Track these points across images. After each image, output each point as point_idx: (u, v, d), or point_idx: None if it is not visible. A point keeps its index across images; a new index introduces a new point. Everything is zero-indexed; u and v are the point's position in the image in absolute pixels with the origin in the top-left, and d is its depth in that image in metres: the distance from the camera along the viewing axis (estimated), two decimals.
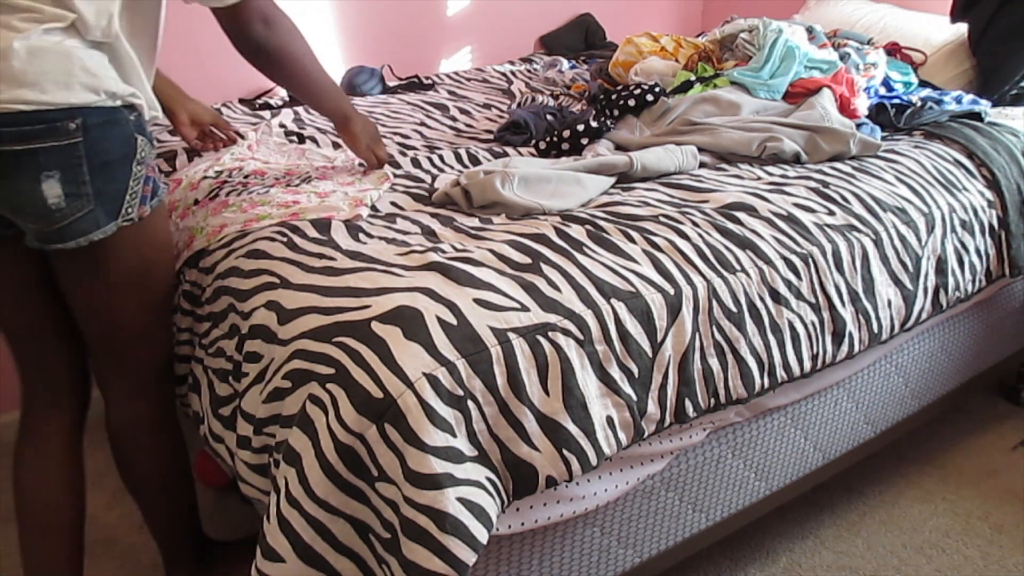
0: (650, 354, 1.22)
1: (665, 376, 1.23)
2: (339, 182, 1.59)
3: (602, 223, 1.38)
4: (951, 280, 1.62)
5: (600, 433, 1.16)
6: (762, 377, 1.34)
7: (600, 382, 1.17)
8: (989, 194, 1.73)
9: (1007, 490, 1.93)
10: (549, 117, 1.94)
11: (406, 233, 1.39)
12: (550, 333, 1.13)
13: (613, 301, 1.20)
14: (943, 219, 1.62)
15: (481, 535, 1.04)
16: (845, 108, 1.86)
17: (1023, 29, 2.08)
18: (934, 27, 2.34)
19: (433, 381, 1.03)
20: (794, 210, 1.47)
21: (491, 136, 1.96)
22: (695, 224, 1.39)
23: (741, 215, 1.43)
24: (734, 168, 1.68)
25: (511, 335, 1.11)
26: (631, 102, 1.88)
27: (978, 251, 1.68)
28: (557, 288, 1.20)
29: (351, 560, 1.07)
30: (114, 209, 1.16)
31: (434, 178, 1.64)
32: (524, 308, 1.15)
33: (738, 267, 1.33)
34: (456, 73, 2.60)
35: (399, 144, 1.88)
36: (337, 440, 1.03)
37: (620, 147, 1.76)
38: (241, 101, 2.29)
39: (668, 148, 1.66)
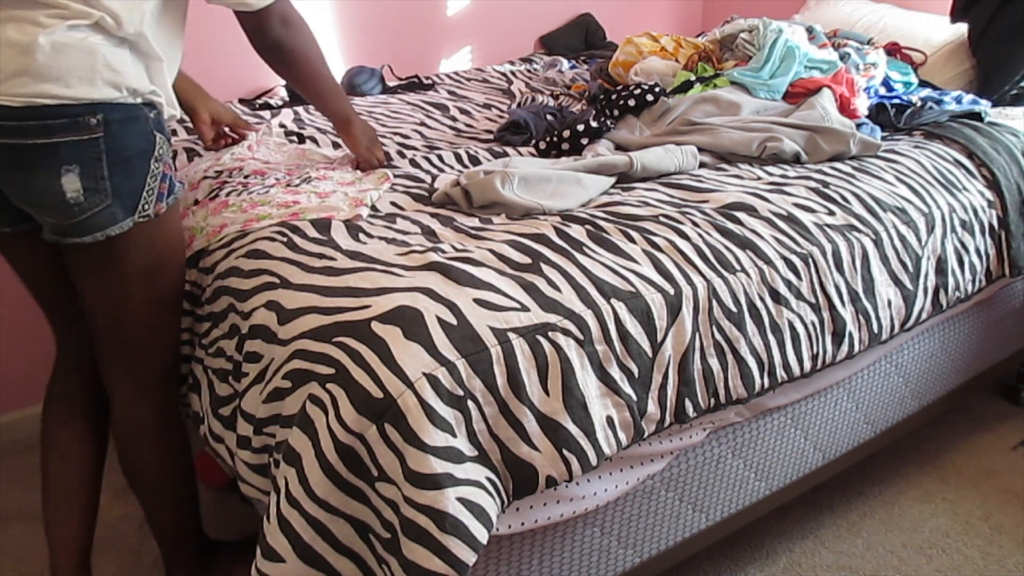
0: (650, 354, 1.22)
1: (665, 376, 1.23)
2: (339, 182, 1.59)
3: (602, 223, 1.38)
4: (951, 280, 1.62)
5: (600, 433, 1.16)
6: (762, 377, 1.34)
7: (600, 382, 1.17)
8: (989, 194, 1.73)
9: (1007, 490, 1.93)
10: (549, 117, 1.94)
11: (406, 233, 1.39)
12: (550, 333, 1.13)
13: (613, 301, 1.20)
14: (943, 219, 1.62)
15: (481, 535, 1.04)
16: (845, 108, 1.86)
17: (1023, 29, 2.08)
18: (934, 27, 2.34)
19: (433, 381, 1.03)
20: (794, 210, 1.47)
21: (491, 136, 1.96)
22: (695, 224, 1.39)
23: (741, 215, 1.43)
24: (734, 168, 1.68)
25: (511, 335, 1.11)
26: (631, 102, 1.88)
27: (978, 251, 1.68)
28: (557, 288, 1.20)
29: (351, 560, 1.07)
30: (131, 205, 1.18)
31: (434, 178, 1.64)
32: (524, 308, 1.15)
33: (738, 267, 1.33)
34: (456, 73, 2.60)
35: (399, 144, 1.88)
36: (337, 440, 1.03)
37: (620, 147, 1.76)
38: (241, 101, 2.29)
39: (668, 148, 1.66)
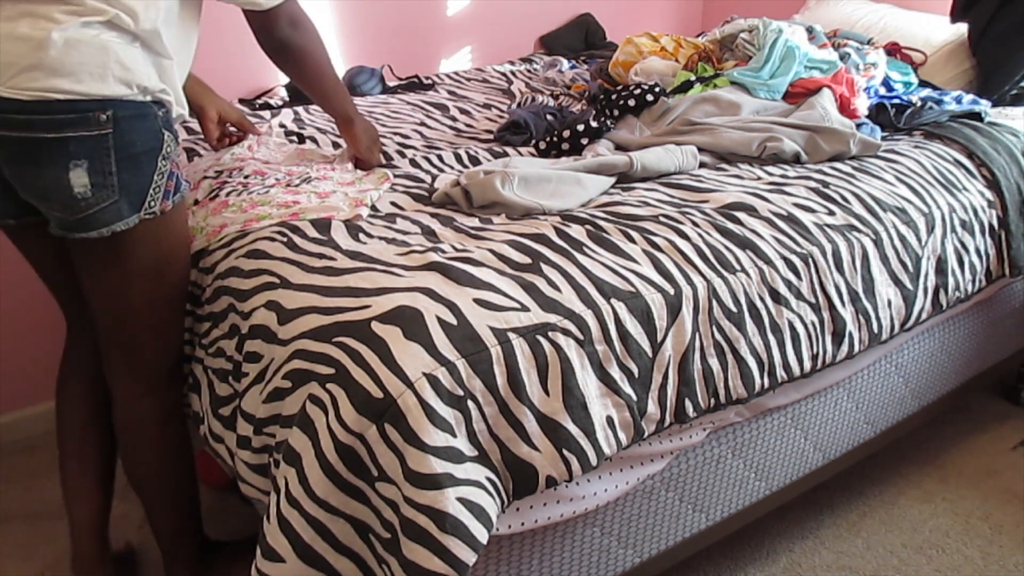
0: (650, 354, 1.22)
1: (665, 376, 1.23)
2: (339, 182, 1.59)
3: (602, 223, 1.38)
4: (951, 280, 1.62)
5: (600, 433, 1.16)
6: (762, 377, 1.34)
7: (600, 382, 1.17)
8: (989, 194, 1.73)
9: (1007, 490, 1.93)
10: (549, 117, 1.94)
11: (406, 233, 1.39)
12: (550, 333, 1.13)
13: (613, 301, 1.20)
14: (943, 219, 1.62)
15: (481, 535, 1.04)
16: (845, 108, 1.86)
17: (1023, 29, 2.08)
18: (934, 27, 2.34)
19: (433, 381, 1.03)
20: (794, 210, 1.47)
21: (491, 136, 1.96)
22: (695, 224, 1.39)
23: (741, 215, 1.43)
24: (734, 168, 1.68)
25: (511, 335, 1.11)
26: (631, 102, 1.88)
27: (978, 251, 1.68)
28: (557, 288, 1.20)
29: (351, 560, 1.07)
30: (138, 201, 1.19)
31: (434, 178, 1.64)
32: (524, 308, 1.15)
33: (738, 267, 1.33)
34: (456, 73, 2.60)
35: (399, 144, 1.88)
36: (337, 440, 1.03)
37: (620, 147, 1.76)
38: (241, 101, 2.29)
39: (668, 148, 1.66)
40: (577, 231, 1.35)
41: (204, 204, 1.53)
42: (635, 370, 1.20)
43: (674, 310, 1.24)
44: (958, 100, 2.02)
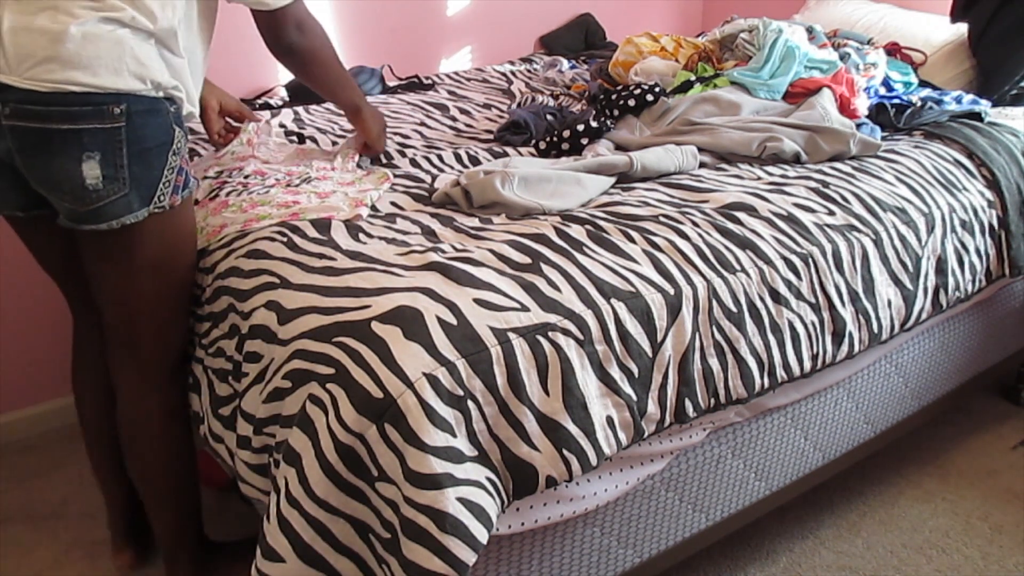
0: (650, 354, 1.22)
1: (665, 376, 1.23)
2: (339, 182, 1.59)
3: (602, 223, 1.38)
4: (951, 280, 1.62)
5: (600, 433, 1.16)
6: (762, 377, 1.34)
7: (600, 382, 1.17)
8: (989, 194, 1.73)
9: (1007, 490, 1.93)
10: (549, 117, 1.94)
11: (406, 233, 1.39)
12: (550, 333, 1.13)
13: (613, 301, 1.20)
14: (943, 219, 1.62)
15: (481, 535, 1.04)
16: (845, 108, 1.86)
17: (1023, 29, 2.08)
18: (934, 27, 2.34)
19: (433, 381, 1.03)
20: (794, 210, 1.47)
21: (491, 136, 1.96)
22: (695, 224, 1.39)
23: (741, 215, 1.43)
24: (734, 168, 1.68)
25: (511, 335, 1.11)
26: (631, 102, 1.88)
27: (978, 251, 1.68)
28: (557, 288, 1.20)
29: (351, 560, 1.07)
30: (147, 195, 1.21)
31: (434, 178, 1.64)
32: (524, 308, 1.15)
33: (738, 267, 1.33)
34: (456, 73, 2.60)
35: (399, 144, 1.88)
36: (337, 440, 1.03)
37: (620, 147, 1.76)
38: (241, 101, 2.29)
39: (668, 148, 1.66)
40: (577, 231, 1.35)
41: (204, 204, 1.53)
42: (635, 370, 1.20)
43: (674, 310, 1.24)
44: (958, 100, 2.02)
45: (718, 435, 1.43)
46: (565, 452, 1.12)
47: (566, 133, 1.76)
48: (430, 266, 1.22)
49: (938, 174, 1.70)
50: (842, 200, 1.53)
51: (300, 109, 2.14)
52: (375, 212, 1.48)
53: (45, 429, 2.18)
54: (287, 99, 2.28)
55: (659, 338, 1.22)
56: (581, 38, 2.92)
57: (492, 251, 1.28)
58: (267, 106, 2.22)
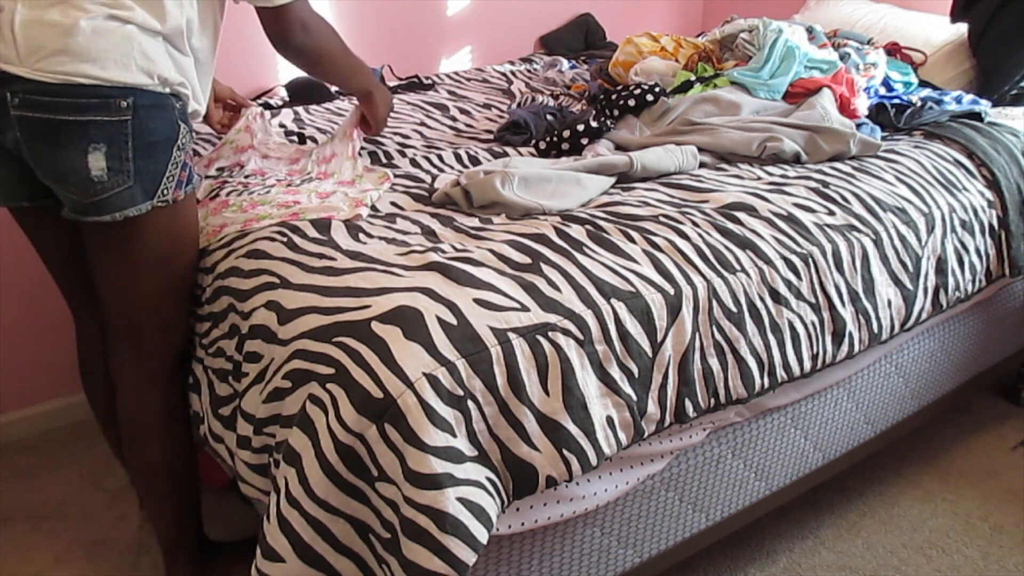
0: (650, 354, 1.22)
1: (665, 376, 1.23)
2: (339, 182, 1.59)
3: (602, 223, 1.38)
4: (951, 280, 1.62)
5: (600, 433, 1.16)
6: (762, 377, 1.34)
7: (600, 382, 1.17)
8: (989, 194, 1.73)
9: (1007, 490, 1.93)
10: (549, 117, 1.94)
11: (406, 233, 1.39)
12: (550, 333, 1.13)
13: (613, 301, 1.20)
14: (943, 219, 1.62)
15: (481, 535, 1.04)
16: (845, 108, 1.86)
17: (1023, 29, 2.08)
18: (934, 27, 2.34)
19: (433, 381, 1.03)
20: (794, 210, 1.47)
21: (491, 136, 1.96)
22: (695, 224, 1.39)
23: (741, 215, 1.43)
24: (734, 168, 1.68)
25: (511, 335, 1.11)
26: (631, 102, 1.88)
27: (978, 251, 1.68)
28: (557, 288, 1.20)
29: (351, 560, 1.07)
30: (151, 189, 1.23)
31: (434, 178, 1.64)
32: (524, 308, 1.15)
33: (738, 267, 1.33)
34: (456, 73, 2.60)
35: (399, 144, 1.88)
36: (337, 440, 1.03)
37: (620, 147, 1.76)
38: None
39: (668, 148, 1.66)
40: (577, 231, 1.35)
41: (205, 204, 1.53)
42: (635, 370, 1.20)
43: (674, 310, 1.24)
44: (958, 100, 2.02)
45: (718, 435, 1.43)
46: (565, 452, 1.12)
47: (566, 133, 1.76)
48: (430, 266, 1.22)
49: (938, 174, 1.70)
50: (842, 200, 1.53)
51: (300, 109, 2.14)
52: (375, 212, 1.48)
53: (45, 429, 2.18)
54: (287, 99, 2.28)
55: (659, 338, 1.22)
56: (581, 38, 2.92)
57: (492, 251, 1.28)
58: (267, 106, 2.22)
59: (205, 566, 1.56)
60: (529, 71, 2.60)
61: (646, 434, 1.23)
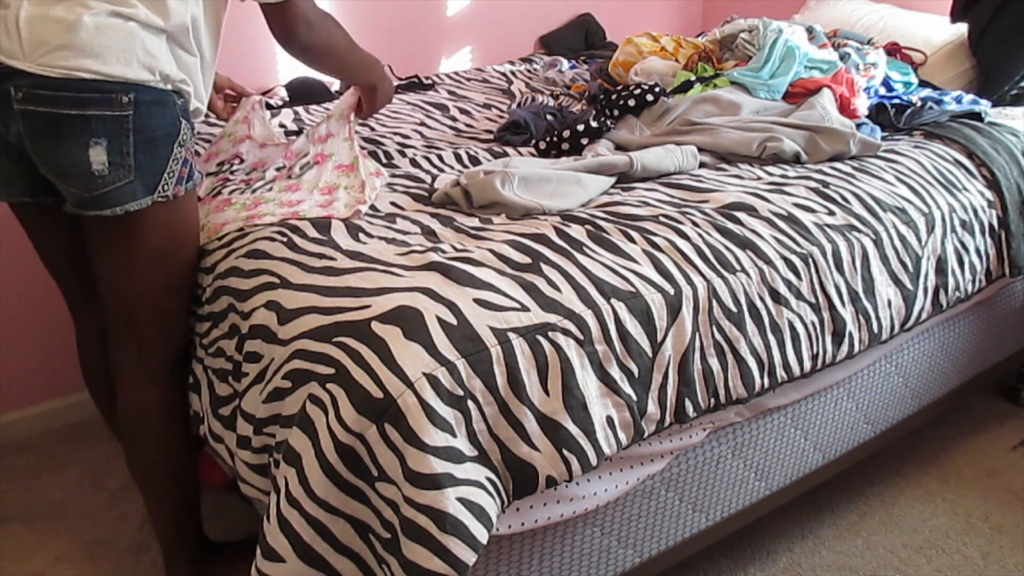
0: (650, 354, 1.22)
1: (665, 376, 1.23)
2: (337, 165, 1.59)
3: (602, 223, 1.38)
4: (951, 280, 1.62)
5: (600, 433, 1.16)
6: (762, 377, 1.34)
7: (600, 382, 1.17)
8: (989, 194, 1.73)
9: (1007, 490, 1.93)
10: (549, 117, 1.94)
11: (406, 233, 1.39)
12: (550, 333, 1.13)
13: (613, 301, 1.20)
14: (943, 219, 1.62)
15: (481, 535, 1.04)
16: (845, 108, 1.86)
17: (1023, 29, 2.08)
18: (934, 27, 2.34)
19: (433, 381, 1.03)
20: (794, 210, 1.47)
21: (491, 136, 1.96)
22: (695, 224, 1.39)
23: (741, 215, 1.43)
24: (734, 168, 1.68)
25: (511, 335, 1.11)
26: (631, 102, 1.88)
27: (978, 251, 1.68)
28: (557, 288, 1.20)
29: (351, 560, 1.08)
30: (152, 184, 1.24)
31: (434, 178, 1.64)
32: (524, 308, 1.15)
33: (738, 267, 1.33)
34: (456, 73, 2.60)
35: (399, 144, 1.88)
36: (337, 440, 1.03)
37: (620, 147, 1.76)
38: None
39: (668, 148, 1.66)
40: (577, 231, 1.35)
41: (207, 202, 1.53)
42: (635, 370, 1.20)
43: (674, 310, 1.24)
44: (958, 100, 2.02)
45: (718, 435, 1.43)
46: (565, 452, 1.12)
47: (566, 133, 1.76)
48: (430, 266, 1.22)
49: (938, 174, 1.70)
50: (842, 200, 1.53)
51: (300, 109, 2.14)
52: (375, 212, 1.48)
53: (45, 429, 2.18)
54: (287, 99, 2.28)
55: (659, 338, 1.22)
56: (581, 38, 2.92)
57: (492, 251, 1.28)
58: (267, 106, 2.22)
59: (205, 566, 1.56)
60: (529, 71, 2.60)
61: (646, 434, 1.23)
